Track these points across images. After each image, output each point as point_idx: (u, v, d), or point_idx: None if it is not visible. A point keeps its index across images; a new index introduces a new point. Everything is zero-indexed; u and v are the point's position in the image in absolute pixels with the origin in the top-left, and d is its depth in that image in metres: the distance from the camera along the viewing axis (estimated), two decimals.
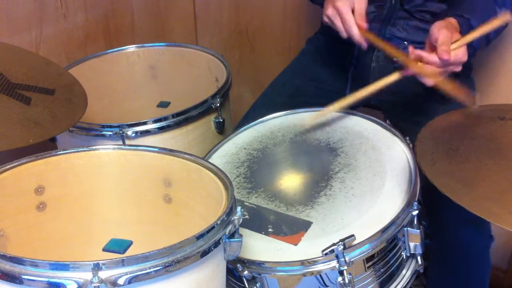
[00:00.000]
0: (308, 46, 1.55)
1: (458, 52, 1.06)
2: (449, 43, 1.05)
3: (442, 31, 1.06)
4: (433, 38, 1.07)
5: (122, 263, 0.69)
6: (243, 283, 0.92)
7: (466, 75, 1.39)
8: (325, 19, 1.20)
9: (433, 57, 1.06)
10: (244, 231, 0.97)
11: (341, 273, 0.88)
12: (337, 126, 1.20)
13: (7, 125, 0.95)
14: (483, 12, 1.13)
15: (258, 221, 1.00)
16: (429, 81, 1.10)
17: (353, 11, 1.16)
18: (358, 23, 1.16)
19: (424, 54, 1.08)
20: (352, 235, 0.89)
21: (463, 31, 1.11)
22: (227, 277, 0.91)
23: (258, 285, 0.92)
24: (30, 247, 0.95)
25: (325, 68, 1.46)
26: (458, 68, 1.10)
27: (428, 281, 1.32)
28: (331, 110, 1.20)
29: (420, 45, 1.16)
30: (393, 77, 1.14)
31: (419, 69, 1.09)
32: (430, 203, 1.19)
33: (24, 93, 1.03)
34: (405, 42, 1.33)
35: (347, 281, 0.88)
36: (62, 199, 0.98)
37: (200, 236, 0.75)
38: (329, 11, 1.18)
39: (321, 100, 1.24)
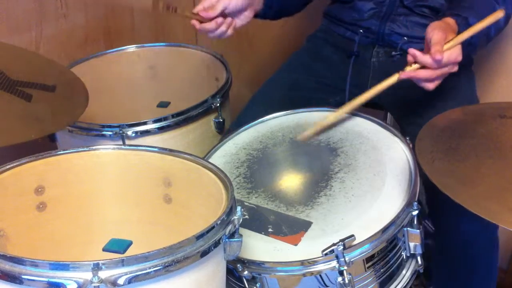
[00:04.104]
0: (308, 44, 1.55)
1: (452, 52, 1.06)
2: (442, 43, 1.05)
3: (436, 31, 1.06)
4: (428, 38, 1.07)
5: (122, 263, 0.69)
6: (243, 283, 0.92)
7: (466, 68, 1.38)
8: None
9: (426, 58, 1.06)
10: (244, 231, 0.97)
11: (341, 273, 0.88)
12: (337, 126, 1.20)
13: (8, 121, 0.95)
14: (483, 10, 1.13)
15: (258, 221, 1.00)
16: (429, 86, 1.09)
17: None
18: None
19: (418, 53, 1.07)
20: (352, 235, 0.89)
21: (462, 30, 1.10)
22: (227, 277, 0.91)
23: (258, 285, 0.92)
24: (30, 247, 0.94)
25: (324, 63, 1.46)
26: (455, 69, 1.09)
27: (432, 280, 1.32)
28: (333, 117, 1.19)
29: (420, 40, 1.15)
30: (391, 80, 1.12)
31: (415, 73, 1.09)
32: (432, 201, 1.18)
33: (25, 90, 1.03)
34: (405, 38, 1.33)
35: (347, 281, 0.88)
36: (62, 199, 0.98)
37: (200, 236, 0.75)
38: None
39: (320, 94, 1.23)
